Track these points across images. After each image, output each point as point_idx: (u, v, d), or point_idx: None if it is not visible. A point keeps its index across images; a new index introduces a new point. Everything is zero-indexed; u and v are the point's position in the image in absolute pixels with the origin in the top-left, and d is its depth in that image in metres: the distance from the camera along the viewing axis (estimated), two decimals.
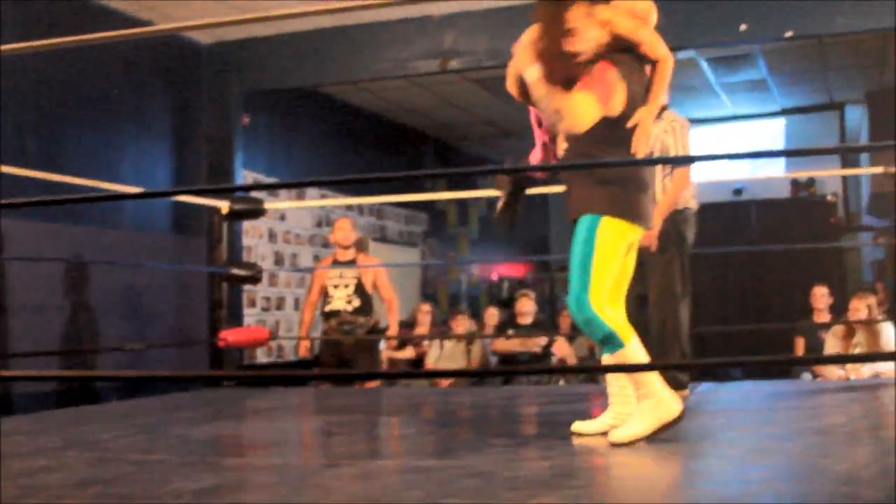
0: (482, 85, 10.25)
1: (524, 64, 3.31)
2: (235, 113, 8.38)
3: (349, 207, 10.64)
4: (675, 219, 4.72)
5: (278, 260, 9.61)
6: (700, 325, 10.05)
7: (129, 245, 7.40)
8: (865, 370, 6.74)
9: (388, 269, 7.53)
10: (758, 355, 4.71)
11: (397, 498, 2.60)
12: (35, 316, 6.57)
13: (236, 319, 7.40)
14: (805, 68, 10.19)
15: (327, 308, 6.83)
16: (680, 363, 4.90)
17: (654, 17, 3.47)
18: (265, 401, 5.34)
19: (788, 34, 7.05)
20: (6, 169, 4.95)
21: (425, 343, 8.83)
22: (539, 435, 3.80)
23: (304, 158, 9.99)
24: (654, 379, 3.24)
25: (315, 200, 9.43)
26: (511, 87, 3.48)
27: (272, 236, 9.54)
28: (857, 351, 7.02)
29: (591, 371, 7.94)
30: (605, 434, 3.35)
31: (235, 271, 6.62)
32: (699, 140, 12.84)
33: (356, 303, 6.76)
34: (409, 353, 8.83)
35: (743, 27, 7.03)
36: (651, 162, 3.61)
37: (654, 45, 3.41)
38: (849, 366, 6.89)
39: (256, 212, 6.76)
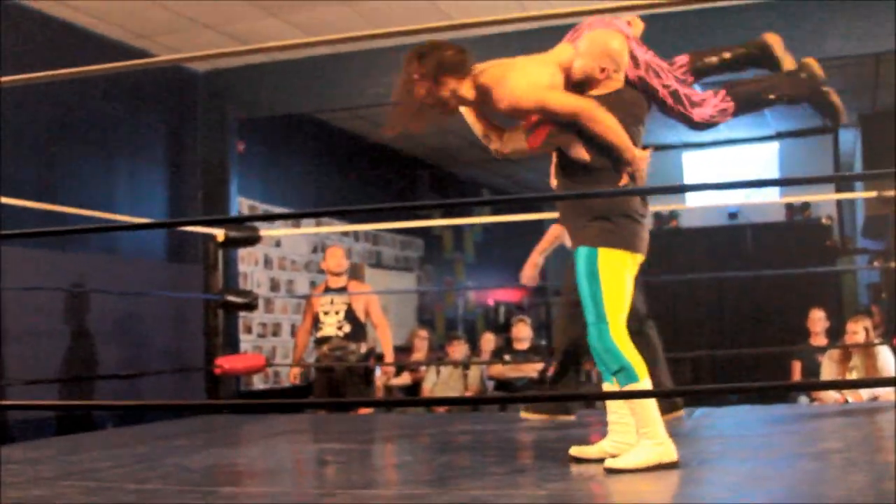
0: None
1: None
2: (231, 140, 8.41)
3: (345, 234, 10.66)
4: None
5: (274, 286, 9.61)
6: (696, 350, 10.09)
7: (125, 272, 7.39)
8: (864, 393, 6.73)
9: (384, 295, 7.53)
10: (754, 379, 4.71)
11: None
12: (31, 343, 6.55)
13: (232, 346, 7.39)
14: None
15: (318, 334, 6.84)
16: (674, 390, 4.91)
17: (614, 43, 3.44)
18: (261, 428, 5.32)
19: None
20: (4, 200, 4.96)
21: (422, 368, 8.81)
22: (536, 462, 3.79)
23: (300, 185, 10.01)
24: (659, 422, 3.26)
25: (310, 227, 9.45)
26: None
27: (268, 262, 9.54)
28: (854, 374, 7.01)
29: (588, 398, 7.91)
30: (601, 461, 3.35)
31: (231, 298, 6.62)
32: (694, 164, 12.92)
33: (347, 329, 6.76)
34: (405, 378, 8.81)
35: None
36: (647, 191, 3.61)
37: (555, 108, 3.38)
38: (846, 389, 6.88)
39: (252, 239, 6.77)
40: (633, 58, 3.46)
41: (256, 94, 8.38)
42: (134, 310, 7.46)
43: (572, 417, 4.94)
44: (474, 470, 3.21)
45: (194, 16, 7.23)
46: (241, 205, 8.69)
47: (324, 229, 9.66)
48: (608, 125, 3.32)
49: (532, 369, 8.38)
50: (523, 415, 5.01)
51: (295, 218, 9.38)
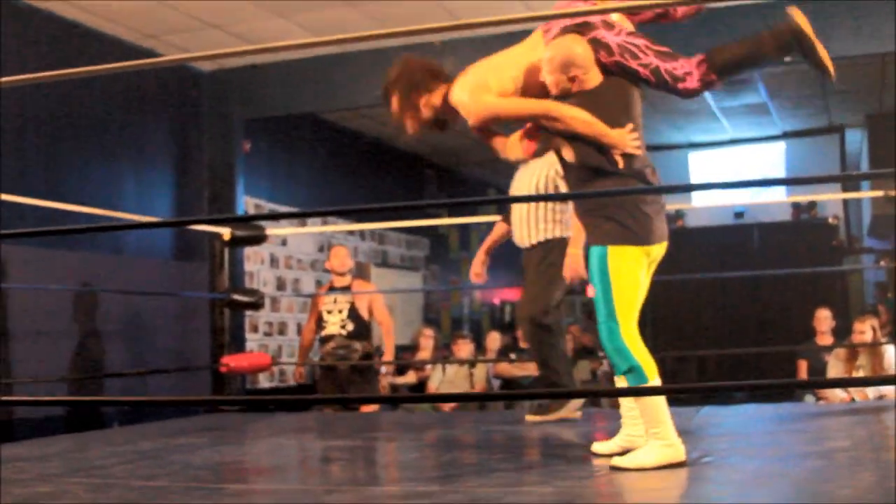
0: None
1: None
2: (236, 139, 8.42)
3: (350, 233, 10.66)
4: (561, 247, 4.73)
5: (280, 285, 9.62)
6: (702, 348, 10.07)
7: (131, 271, 7.41)
8: (870, 392, 6.72)
9: (390, 295, 7.53)
10: (760, 378, 4.70)
11: None
12: (38, 342, 6.57)
13: (238, 345, 7.39)
14: (805, 92, 10.23)
15: (322, 333, 6.85)
16: (681, 387, 4.90)
17: (577, 49, 3.38)
18: (266, 425, 5.33)
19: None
20: (9, 198, 4.97)
21: (427, 367, 8.81)
22: (542, 459, 3.79)
23: (305, 184, 10.02)
24: (668, 422, 3.25)
25: (316, 226, 9.45)
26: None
27: (274, 261, 9.55)
28: (860, 373, 7.00)
29: (595, 395, 7.92)
30: (620, 454, 3.38)
31: (237, 297, 6.63)
32: (700, 164, 12.90)
33: (350, 327, 6.77)
34: (410, 377, 8.82)
35: None
36: (653, 190, 3.60)
37: (510, 116, 3.48)
38: (852, 388, 6.87)
39: (258, 238, 6.77)
40: (605, 45, 3.38)
41: (262, 93, 8.39)
42: (140, 309, 7.48)
43: (578, 415, 4.90)
44: (480, 467, 3.21)
45: (201, 16, 7.24)
46: (247, 204, 8.70)
47: (330, 228, 9.66)
48: (571, 117, 3.30)
49: (537, 368, 8.37)
50: (529, 419, 4.97)
51: (301, 217, 9.39)
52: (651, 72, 3.38)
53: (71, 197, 6.07)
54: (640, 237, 3.31)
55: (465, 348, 9.08)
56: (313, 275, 10.09)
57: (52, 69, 3.32)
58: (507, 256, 5.64)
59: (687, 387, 4.08)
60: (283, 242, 9.64)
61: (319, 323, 6.89)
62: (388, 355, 7.03)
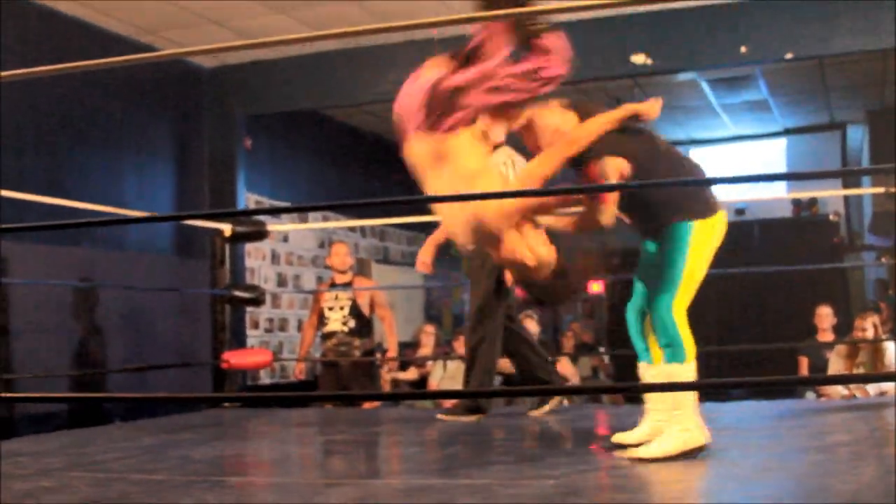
0: None
1: None
2: (238, 136, 8.42)
3: (352, 229, 10.66)
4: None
5: (281, 281, 9.62)
6: (703, 345, 10.05)
7: (132, 267, 7.41)
8: (870, 389, 6.72)
9: (391, 292, 7.53)
10: (761, 375, 4.71)
11: None
12: (39, 338, 6.57)
13: (239, 341, 7.40)
14: (806, 89, 10.22)
15: (324, 330, 6.86)
16: (683, 384, 4.89)
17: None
18: (267, 422, 5.33)
19: (788, 56, 7.08)
20: (9, 193, 4.97)
21: (428, 364, 8.81)
22: (542, 453, 3.79)
23: (306, 180, 10.02)
24: (691, 406, 3.28)
25: (317, 222, 9.45)
26: None
27: (275, 258, 9.55)
28: (861, 370, 6.99)
29: (596, 391, 7.93)
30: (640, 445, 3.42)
31: (238, 293, 6.63)
32: (701, 160, 12.89)
33: (352, 324, 6.78)
34: (412, 374, 8.82)
35: (743, 49, 7.07)
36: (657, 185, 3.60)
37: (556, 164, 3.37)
38: (853, 385, 6.87)
39: (259, 234, 6.77)
40: (462, 90, 3.22)
41: (263, 90, 8.39)
42: (141, 305, 7.48)
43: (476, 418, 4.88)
44: (482, 460, 3.21)
45: (202, 12, 7.24)
46: (248, 200, 8.70)
47: (331, 224, 9.66)
48: (602, 123, 3.33)
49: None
50: (531, 414, 4.96)
51: (301, 212, 9.38)
52: (513, 89, 3.28)
53: (72, 193, 6.08)
54: (712, 206, 3.39)
55: None
56: (314, 271, 10.09)
57: (53, 65, 3.33)
58: None
59: (687, 384, 4.07)
60: (285, 239, 9.65)
61: (321, 320, 6.90)
62: (392, 349, 7.04)
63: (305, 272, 10.03)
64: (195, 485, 3.08)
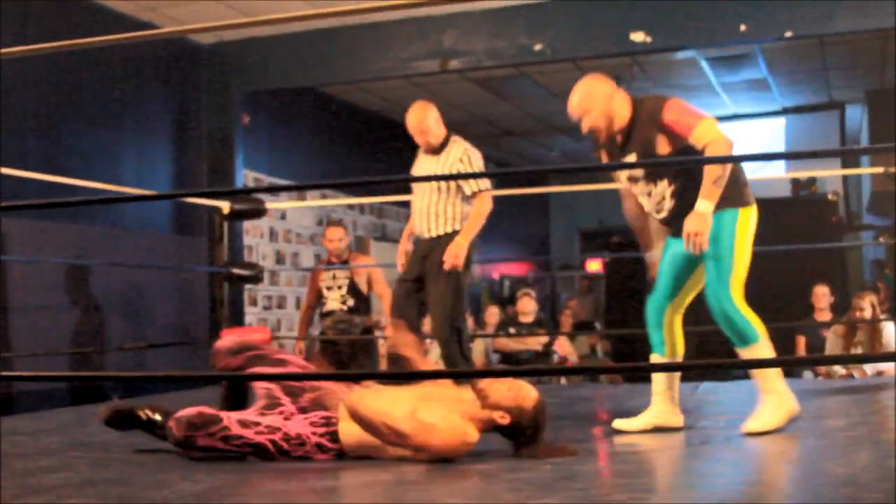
0: (482, 84, 10.25)
1: None
2: (236, 113, 8.39)
3: (350, 206, 10.65)
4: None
5: (279, 259, 9.62)
6: (701, 324, 10.07)
7: (130, 245, 7.40)
8: (868, 369, 6.74)
9: (389, 269, 7.52)
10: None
11: (399, 498, 2.61)
12: (37, 316, 6.57)
13: (238, 319, 7.40)
14: (805, 68, 10.19)
15: (322, 309, 6.86)
16: (682, 364, 4.91)
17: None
18: None
19: (788, 34, 7.05)
20: (8, 171, 4.96)
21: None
22: None
23: (305, 158, 10.00)
24: (778, 376, 3.44)
25: (316, 200, 9.44)
26: None
27: (273, 235, 9.55)
28: (859, 350, 7.01)
29: (595, 371, 7.96)
30: (646, 432, 3.53)
31: (236, 271, 6.64)
32: None
33: (350, 303, 6.77)
34: None
35: (743, 27, 7.04)
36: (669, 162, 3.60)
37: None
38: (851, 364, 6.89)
39: (257, 211, 6.77)
40: None
41: (262, 67, 8.35)
42: (139, 282, 7.48)
43: None
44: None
45: None
46: (246, 178, 8.68)
47: (329, 202, 9.65)
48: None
49: (537, 342, 8.40)
50: None
51: (300, 190, 9.36)
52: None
53: (70, 171, 6.07)
54: (749, 195, 3.53)
55: None
56: (312, 248, 10.09)
57: (52, 42, 3.31)
58: (505, 231, 5.63)
59: (687, 364, 4.09)
60: (283, 216, 9.64)
61: (319, 299, 6.89)
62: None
63: (304, 250, 10.03)
64: (194, 466, 3.09)
